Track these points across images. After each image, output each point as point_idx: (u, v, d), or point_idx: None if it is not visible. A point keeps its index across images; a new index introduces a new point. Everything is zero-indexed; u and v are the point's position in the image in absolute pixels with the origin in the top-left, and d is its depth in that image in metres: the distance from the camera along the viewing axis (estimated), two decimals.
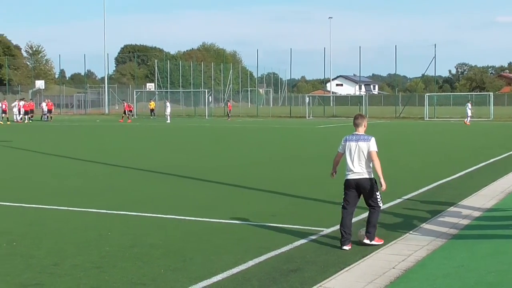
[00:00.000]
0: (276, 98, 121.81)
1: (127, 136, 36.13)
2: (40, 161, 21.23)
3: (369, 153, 8.80)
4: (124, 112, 59.56)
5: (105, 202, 12.29)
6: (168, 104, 62.27)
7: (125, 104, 61.53)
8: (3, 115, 55.62)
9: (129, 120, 57.57)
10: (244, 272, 7.40)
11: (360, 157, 8.85)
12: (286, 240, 8.99)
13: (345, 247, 8.58)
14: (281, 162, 20.83)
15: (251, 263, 7.77)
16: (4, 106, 56.71)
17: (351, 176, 8.90)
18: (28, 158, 22.13)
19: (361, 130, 9.07)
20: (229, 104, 71.61)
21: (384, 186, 8.83)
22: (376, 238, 8.84)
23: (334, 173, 9.34)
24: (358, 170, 8.83)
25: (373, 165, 8.82)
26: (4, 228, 9.84)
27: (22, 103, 58.65)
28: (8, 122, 54.10)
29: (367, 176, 8.82)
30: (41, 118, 60.35)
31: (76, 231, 9.65)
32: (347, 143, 9.04)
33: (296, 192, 13.62)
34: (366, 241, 8.76)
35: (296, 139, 32.90)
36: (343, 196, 9.01)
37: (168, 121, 57.87)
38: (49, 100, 65.54)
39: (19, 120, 56.98)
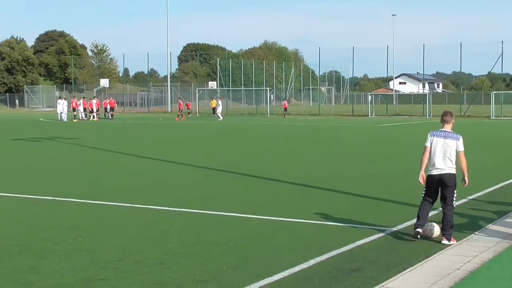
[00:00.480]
0: (338, 96, 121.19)
1: (188, 134, 36.45)
2: (105, 158, 21.60)
3: (457, 152, 8.89)
4: (179, 110, 59.96)
5: (167, 200, 12.42)
6: (219, 102, 62.46)
7: (180, 102, 61.91)
8: (74, 113, 57.03)
9: (183, 118, 57.91)
10: (305, 270, 7.38)
11: (446, 154, 8.88)
12: (348, 239, 8.93)
13: (418, 229, 8.81)
14: (343, 160, 20.70)
15: (312, 261, 7.74)
16: (73, 104, 58.10)
17: (434, 172, 8.94)
18: (93, 155, 22.54)
19: (449, 127, 9.07)
20: (284, 102, 71.65)
21: (467, 182, 8.96)
22: (451, 238, 8.82)
23: (423, 175, 9.06)
24: (442, 166, 8.88)
25: (457, 163, 8.89)
26: (71, 224, 10.04)
27: (94, 101, 59.86)
28: (75, 120, 55.30)
29: (450, 172, 8.86)
30: (104, 116, 61.28)
31: (139, 228, 9.79)
32: (434, 138, 9.01)
33: (359, 191, 13.52)
34: (445, 241, 8.73)
35: (358, 138, 32.65)
36: (424, 191, 9.10)
37: (220, 119, 58.10)
38: (111, 98, 66.53)
39: (84, 118, 58.04)
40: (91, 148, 25.65)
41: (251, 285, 6.78)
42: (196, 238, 9.06)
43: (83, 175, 16.67)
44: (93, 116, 58.58)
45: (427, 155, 9.07)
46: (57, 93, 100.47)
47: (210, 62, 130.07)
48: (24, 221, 10.32)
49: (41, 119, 61.37)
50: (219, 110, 60.51)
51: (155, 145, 27.99)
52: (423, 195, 9.14)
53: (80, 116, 58.02)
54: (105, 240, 8.96)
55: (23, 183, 15.00)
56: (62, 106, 56.41)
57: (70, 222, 10.24)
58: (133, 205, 11.81)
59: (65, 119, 55.27)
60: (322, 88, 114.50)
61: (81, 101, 59.74)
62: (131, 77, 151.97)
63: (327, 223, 10.15)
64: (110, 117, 60.03)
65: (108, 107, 61.47)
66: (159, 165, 19.15)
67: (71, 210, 11.38)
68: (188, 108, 63.51)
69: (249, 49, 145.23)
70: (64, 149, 25.26)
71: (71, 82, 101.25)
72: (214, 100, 69.47)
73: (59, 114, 56.08)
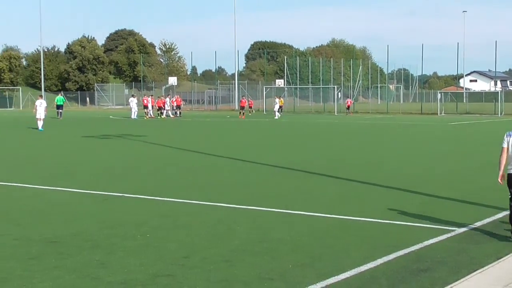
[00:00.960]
0: (406, 94, 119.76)
1: (254, 132, 36.58)
2: (173, 155, 21.85)
3: None
4: (241, 108, 60.11)
5: (234, 197, 12.49)
6: (277, 100, 62.31)
7: (242, 99, 61.99)
8: (145, 110, 57.98)
9: (243, 116, 58.02)
10: (372, 270, 7.32)
11: None
12: (415, 238, 8.81)
13: None
14: (412, 159, 20.44)
15: (379, 261, 7.67)
16: (145, 102, 59.03)
17: None
18: (161, 152, 22.84)
19: None
20: (347, 100, 71.30)
21: None
22: None
23: (503, 175, 8.97)
24: None
25: None
26: (139, 220, 10.20)
27: (168, 99, 60.75)
28: (147, 117, 56.22)
29: None
30: (171, 114, 61.99)
31: (206, 225, 9.87)
32: (510, 138, 8.94)
33: (428, 190, 13.32)
34: None
35: (427, 136, 32.18)
36: (510, 191, 8.93)
37: (276, 117, 58.11)
38: (177, 96, 67.26)
39: (152, 116, 58.84)
40: (159, 145, 25.99)
41: (317, 284, 6.76)
42: (262, 235, 9.08)
43: (151, 172, 16.89)
44: (165, 113, 59.38)
45: (504, 155, 8.94)
46: (126, 91, 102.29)
47: (278, 60, 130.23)
48: (95, 217, 10.53)
49: (110, 116, 62.54)
50: (276, 108, 60.50)
51: (222, 142, 28.17)
52: (510, 197, 8.94)
53: (149, 113, 58.85)
54: (173, 236, 9.07)
55: (93, 180, 15.30)
56: (133, 104, 57.28)
57: (138, 218, 10.40)
58: (200, 202, 11.91)
59: (136, 117, 56.14)
60: (391, 86, 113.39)
61: (149, 99, 60.55)
62: (199, 75, 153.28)
63: (394, 222, 10.04)
64: (178, 115, 60.69)
65: (175, 104, 62.17)
66: (226, 162, 19.26)
67: (140, 207, 11.55)
68: (250, 107, 63.61)
69: (316, 47, 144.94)
70: (132, 146, 25.66)
71: (140, 80, 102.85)
72: (281, 98, 69.50)
73: (132, 112, 56.94)
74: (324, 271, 7.22)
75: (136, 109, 57.13)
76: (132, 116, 56.37)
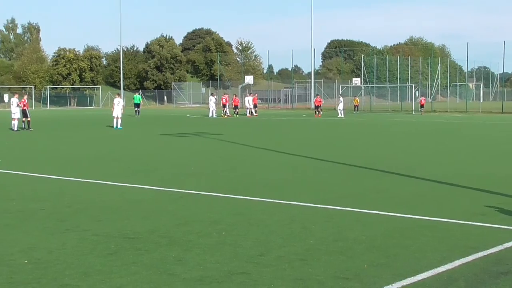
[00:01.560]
0: (486, 93, 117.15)
1: (330, 131, 36.42)
2: (248, 153, 21.96)
3: None
4: (316, 107, 59.86)
5: (309, 196, 12.46)
6: (341, 99, 61.70)
7: (317, 98, 61.72)
8: (224, 109, 58.64)
9: (319, 115, 57.74)
10: (450, 271, 7.18)
11: None
12: (496, 240, 8.60)
13: None
14: (492, 159, 19.96)
15: (457, 262, 7.52)
16: (224, 100, 59.72)
17: None
18: (237, 151, 22.98)
19: None
20: (421, 99, 70.17)
21: None
22: None
23: None
24: None
25: None
26: (215, 218, 10.29)
27: (248, 98, 61.31)
28: (226, 116, 56.86)
29: None
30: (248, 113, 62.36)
31: (281, 223, 9.88)
32: None
33: (509, 191, 12.98)
34: None
35: (507, 135, 31.37)
36: None
37: (340, 115, 57.61)
38: (251, 94, 67.58)
39: (229, 114, 59.33)
40: (234, 143, 26.16)
41: (393, 284, 6.68)
42: (337, 235, 9.04)
43: (226, 170, 17.01)
44: (248, 112, 59.92)
45: None
46: (203, 90, 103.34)
47: (354, 58, 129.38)
48: (172, 214, 10.69)
49: (187, 115, 63.31)
50: (340, 106, 59.91)
51: (298, 141, 28.15)
52: None
53: (226, 112, 59.42)
54: (248, 234, 9.12)
55: (169, 177, 15.52)
56: (212, 103, 57.82)
57: (213, 216, 10.49)
58: (275, 200, 11.93)
59: (214, 116, 56.75)
60: (470, 85, 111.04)
61: (226, 97, 61.11)
62: (275, 73, 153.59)
63: (473, 223, 9.83)
64: (251, 113, 61.07)
65: (251, 103, 62.55)
66: (302, 161, 19.24)
67: (215, 204, 11.65)
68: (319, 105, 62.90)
69: (394, 45, 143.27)
70: (208, 144, 25.91)
71: (217, 79, 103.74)
72: (357, 98, 68.96)
73: (210, 111, 57.55)
74: (400, 272, 7.13)
75: (214, 108, 57.62)
76: (210, 115, 56.94)
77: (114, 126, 38.28)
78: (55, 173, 16.07)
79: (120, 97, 40.84)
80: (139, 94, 62.22)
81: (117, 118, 38.51)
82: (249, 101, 61.22)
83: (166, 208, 11.21)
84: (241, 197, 12.38)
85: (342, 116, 57.48)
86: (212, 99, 57.98)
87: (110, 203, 11.70)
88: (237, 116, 58.33)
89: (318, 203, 11.57)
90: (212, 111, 57.10)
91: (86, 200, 12.08)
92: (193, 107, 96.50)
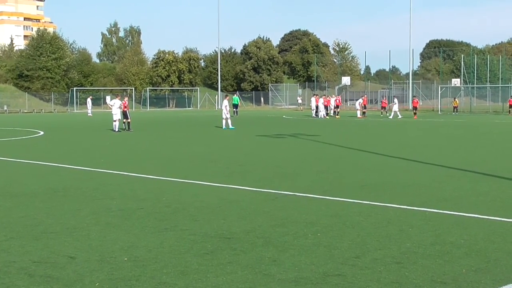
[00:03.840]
0: None
1: (427, 132, 35.76)
2: (345, 154, 21.82)
3: None
4: (414, 108, 58.97)
5: (406, 198, 12.28)
6: (395, 100, 60.45)
7: (415, 99, 60.87)
8: (336, 109, 59.44)
9: (415, 116, 56.78)
10: None
11: None
12: None
13: None
14: None
15: None
16: (338, 101, 60.45)
17: None
18: (334, 152, 22.88)
19: None
20: (510, 100, 67.90)
21: None
22: None
23: None
24: None
25: None
26: (311, 219, 10.28)
27: (360, 100, 61.45)
28: (337, 116, 57.24)
29: None
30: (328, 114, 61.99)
31: (377, 225, 9.78)
32: None
33: None
34: None
35: None
36: None
37: (390, 117, 56.61)
38: (331, 96, 67.20)
39: (326, 116, 59.32)
40: (331, 144, 26.07)
41: None
42: (435, 238, 8.87)
43: (321, 171, 16.96)
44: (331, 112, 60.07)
45: None
46: (299, 91, 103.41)
47: (454, 58, 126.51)
48: (267, 215, 10.74)
49: (284, 116, 63.52)
50: (395, 108, 58.68)
51: (394, 142, 27.79)
52: None
53: (320, 115, 59.52)
54: (343, 236, 9.07)
55: (265, 178, 15.60)
56: (312, 104, 58.98)
57: (309, 217, 10.48)
58: (371, 202, 11.82)
59: (322, 117, 57.40)
60: None
61: (328, 99, 61.33)
62: (372, 74, 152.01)
63: None
64: (333, 114, 61.04)
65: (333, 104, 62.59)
66: (398, 162, 18.98)
67: (310, 206, 11.63)
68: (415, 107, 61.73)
69: (496, 44, 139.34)
70: (304, 145, 25.91)
71: (313, 80, 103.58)
72: (456, 100, 67.34)
73: (317, 111, 58.59)
74: (501, 277, 6.93)
75: (323, 109, 58.64)
76: (314, 115, 58.17)
77: (224, 126, 38.92)
78: (154, 173, 16.43)
79: (228, 98, 41.46)
80: (237, 95, 63.14)
81: (226, 119, 39.13)
82: (335, 100, 61.72)
83: (262, 209, 11.28)
84: (337, 198, 12.32)
85: (391, 117, 56.81)
86: (320, 101, 58.86)
87: (207, 203, 11.86)
88: (328, 117, 58.43)
89: (415, 206, 11.39)
90: (321, 113, 57.88)
91: (184, 200, 12.30)
92: (290, 108, 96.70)
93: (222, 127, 38.70)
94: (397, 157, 20.48)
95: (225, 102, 40.25)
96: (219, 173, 16.64)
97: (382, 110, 62.33)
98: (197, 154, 22.57)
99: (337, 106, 60.99)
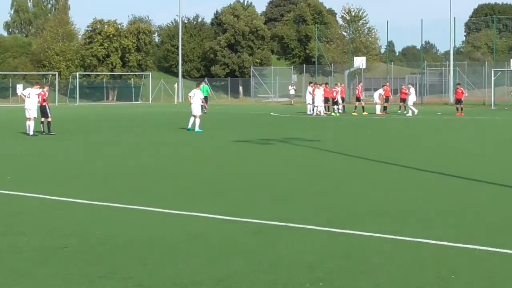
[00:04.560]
0: None
1: (473, 133, 35.88)
2: (355, 167, 21.78)
3: None
4: (458, 102, 58.72)
5: (445, 230, 12.25)
6: (412, 90, 60.29)
7: (459, 89, 60.57)
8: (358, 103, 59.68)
9: (462, 113, 56.81)
10: None
11: None
12: None
13: None
14: None
15: None
16: (358, 92, 60.76)
17: None
18: (340, 164, 22.88)
19: None
20: None
21: None
22: None
23: None
24: None
25: None
26: (310, 261, 10.22)
27: (381, 91, 61.38)
28: (365, 113, 57.36)
29: None
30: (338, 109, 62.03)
31: (405, 269, 9.73)
32: None
33: None
34: None
35: None
36: None
37: (410, 113, 56.79)
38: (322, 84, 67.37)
39: (326, 112, 59.51)
40: (337, 153, 26.04)
41: None
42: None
43: (326, 192, 16.91)
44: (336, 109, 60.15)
45: None
46: (294, 77, 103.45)
47: None
48: (249, 254, 10.69)
49: (271, 113, 63.60)
50: (410, 101, 58.64)
51: (427, 150, 27.79)
52: None
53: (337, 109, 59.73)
54: (357, 285, 9.03)
55: (246, 202, 15.54)
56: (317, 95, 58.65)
57: (308, 257, 10.40)
58: (395, 236, 11.76)
59: (322, 113, 57.42)
60: None
61: (339, 89, 61.22)
62: (397, 53, 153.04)
63: None
64: (338, 110, 61.13)
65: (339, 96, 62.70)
66: (433, 180, 18.99)
67: (309, 241, 11.55)
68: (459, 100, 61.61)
69: None
70: (301, 155, 25.89)
71: (314, 61, 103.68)
72: None
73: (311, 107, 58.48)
74: None
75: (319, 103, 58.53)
76: (309, 112, 58.25)
77: (190, 126, 38.69)
78: (83, 196, 16.29)
79: (199, 88, 41.09)
80: (206, 83, 63.15)
81: (196, 117, 38.73)
82: (338, 92, 61.44)
83: (240, 247, 11.21)
84: (346, 231, 12.28)
85: (411, 114, 56.90)
86: (317, 90, 58.70)
87: (161, 239, 11.78)
88: (337, 114, 58.48)
89: (460, 241, 11.35)
90: (317, 106, 57.89)
91: (127, 234, 12.19)
92: (280, 102, 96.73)
93: (187, 127, 38.56)
94: (431, 172, 20.48)
95: (196, 91, 40.06)
96: (179, 195, 16.56)
97: (400, 104, 62.05)
98: (148, 168, 22.46)
99: (334, 101, 60.36)
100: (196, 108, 38.94)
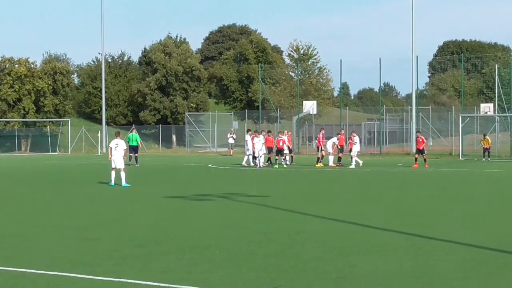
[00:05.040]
0: None
1: (431, 189, 36.17)
2: (306, 226, 21.83)
3: None
4: (419, 152, 59.15)
5: None
6: (356, 138, 61.12)
7: (419, 138, 60.80)
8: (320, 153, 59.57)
9: (416, 165, 57.33)
10: None
11: None
12: None
13: None
14: None
15: None
16: (318, 140, 60.90)
17: None
18: (295, 226, 22.88)
19: None
20: None
21: None
22: None
23: None
24: None
25: None
26: None
27: (335, 140, 61.71)
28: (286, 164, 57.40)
29: None
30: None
31: None
32: None
33: None
34: None
35: None
36: None
37: (352, 165, 57.69)
38: (284, 132, 67.62)
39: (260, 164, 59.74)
40: (287, 211, 26.07)
41: None
42: None
43: (274, 255, 16.91)
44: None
45: None
46: (234, 124, 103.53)
47: (483, 71, 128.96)
48: None
49: (210, 165, 63.64)
50: (354, 151, 59.36)
51: (390, 206, 27.95)
52: None
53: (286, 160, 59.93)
54: None
55: (181, 268, 15.49)
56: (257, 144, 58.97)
57: None
58: None
59: (261, 164, 57.64)
60: None
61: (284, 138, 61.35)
62: (352, 97, 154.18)
63: None
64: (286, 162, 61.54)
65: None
66: (400, 240, 19.10)
67: None
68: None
69: None
70: (245, 213, 25.91)
71: (258, 106, 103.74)
72: (487, 138, 68.13)
73: (248, 157, 58.92)
74: None
75: (263, 151, 58.67)
76: (252, 164, 58.32)
77: (113, 182, 38.54)
78: None
79: (119, 137, 40.92)
80: (135, 132, 62.83)
81: (120, 169, 38.58)
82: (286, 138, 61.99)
83: None
84: None
85: (354, 165, 57.58)
86: (257, 140, 58.86)
87: None
88: (284, 166, 58.66)
89: None
90: (258, 157, 58.14)
91: None
92: (220, 152, 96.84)
93: (109, 184, 38.38)
94: (392, 231, 20.61)
95: (118, 142, 40.00)
96: (104, 259, 16.45)
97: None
98: (67, 229, 22.29)
99: (279, 151, 60.65)
100: (120, 160, 38.82)
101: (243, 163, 60.40)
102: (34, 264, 15.70)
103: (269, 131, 64.36)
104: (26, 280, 14.23)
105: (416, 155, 58.80)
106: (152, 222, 23.82)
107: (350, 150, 60.40)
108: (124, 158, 39.51)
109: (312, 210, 26.35)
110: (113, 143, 39.86)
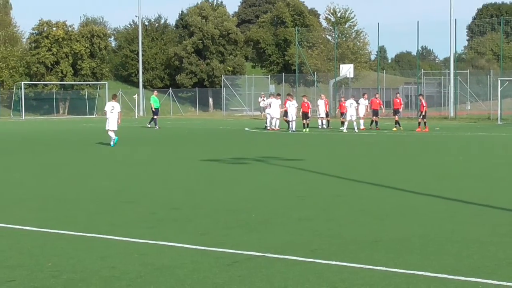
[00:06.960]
0: None
1: (466, 154, 36.00)
2: (346, 189, 21.85)
3: None
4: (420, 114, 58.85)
5: (447, 261, 12.31)
6: (360, 101, 60.90)
7: (421, 100, 60.43)
8: (342, 118, 59.65)
9: (420, 129, 56.97)
10: None
11: None
12: None
13: None
14: None
15: None
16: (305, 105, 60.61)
17: None
18: (327, 185, 22.90)
19: None
20: None
21: None
22: None
23: None
24: None
25: None
26: None
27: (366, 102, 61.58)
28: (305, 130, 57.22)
29: None
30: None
31: None
32: None
33: None
34: None
35: None
36: None
37: (355, 128, 57.56)
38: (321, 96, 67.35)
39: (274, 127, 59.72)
40: (323, 175, 26.04)
41: None
42: None
43: (310, 218, 16.94)
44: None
45: None
46: (271, 88, 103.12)
47: None
48: None
49: (246, 128, 63.53)
50: (350, 115, 58.94)
51: (426, 170, 27.87)
52: None
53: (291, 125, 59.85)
54: None
55: (216, 230, 15.54)
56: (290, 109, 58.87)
57: None
58: (389, 269, 11.79)
59: (293, 129, 57.58)
60: None
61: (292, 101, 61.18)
62: (389, 61, 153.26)
63: None
64: (323, 125, 61.36)
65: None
66: (432, 204, 19.05)
67: (291, 274, 11.55)
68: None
69: None
70: (280, 177, 25.95)
71: (294, 69, 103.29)
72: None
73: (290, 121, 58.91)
74: None
75: (294, 117, 58.36)
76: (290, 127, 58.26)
77: (112, 143, 39.10)
78: (31, 223, 16.27)
79: (116, 100, 41.40)
80: (155, 94, 62.96)
81: (111, 131, 39.29)
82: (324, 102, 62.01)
83: (211, 280, 11.25)
84: (333, 262, 12.32)
85: (348, 129, 57.63)
86: (290, 104, 58.71)
87: (121, 272, 11.80)
88: (306, 130, 58.28)
89: (462, 274, 11.40)
90: (290, 121, 57.96)
91: (83, 266, 12.19)
92: (256, 115, 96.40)
93: (111, 145, 38.53)
94: (428, 195, 20.59)
95: (115, 104, 40.57)
96: (141, 222, 16.54)
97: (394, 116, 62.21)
98: (105, 191, 22.44)
99: (306, 115, 60.08)
100: (114, 122, 39.46)
101: (270, 126, 60.43)
102: (72, 226, 15.84)
103: (304, 95, 64.32)
104: (64, 242, 14.36)
105: (420, 119, 58.49)
106: (188, 185, 23.89)
107: (395, 112, 60.30)
108: (118, 122, 39.82)
109: (347, 174, 26.35)
110: (108, 106, 40.30)
